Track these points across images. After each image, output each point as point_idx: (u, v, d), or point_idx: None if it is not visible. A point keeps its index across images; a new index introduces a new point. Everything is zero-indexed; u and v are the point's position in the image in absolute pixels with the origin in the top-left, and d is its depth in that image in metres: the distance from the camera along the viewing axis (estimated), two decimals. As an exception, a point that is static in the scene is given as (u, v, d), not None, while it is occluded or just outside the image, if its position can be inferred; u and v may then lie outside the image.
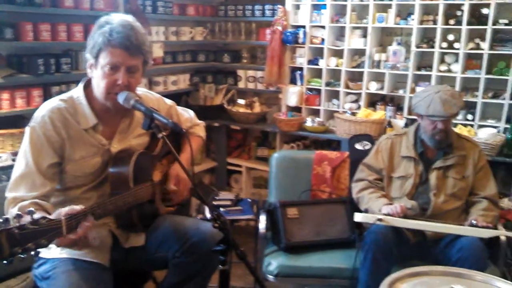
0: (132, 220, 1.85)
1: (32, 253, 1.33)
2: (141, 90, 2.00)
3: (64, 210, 1.48)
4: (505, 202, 2.93)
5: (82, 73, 3.18)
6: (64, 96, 1.84)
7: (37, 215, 1.36)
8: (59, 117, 1.76)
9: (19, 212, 1.34)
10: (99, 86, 1.77)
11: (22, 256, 1.31)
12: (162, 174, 2.04)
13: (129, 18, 1.80)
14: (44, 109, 1.77)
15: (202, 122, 2.34)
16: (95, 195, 1.85)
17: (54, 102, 1.80)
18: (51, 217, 1.43)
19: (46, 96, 3.03)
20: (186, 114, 2.27)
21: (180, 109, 2.25)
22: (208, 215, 2.83)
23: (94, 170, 1.83)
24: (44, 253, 1.82)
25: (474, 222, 2.41)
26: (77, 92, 1.84)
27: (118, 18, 1.76)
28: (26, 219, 1.33)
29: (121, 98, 1.74)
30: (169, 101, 2.18)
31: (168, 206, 2.10)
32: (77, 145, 1.78)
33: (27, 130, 1.76)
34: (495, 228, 2.52)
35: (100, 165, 1.84)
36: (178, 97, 4.38)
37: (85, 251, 1.79)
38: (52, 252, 1.81)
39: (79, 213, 1.49)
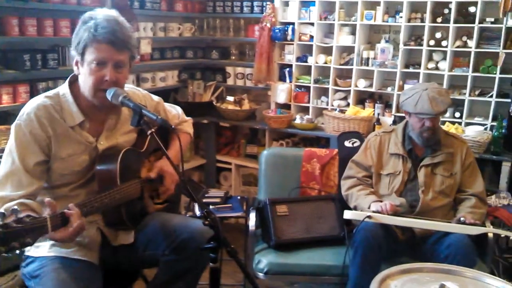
0: (120, 218, 1.83)
1: (17, 252, 1.32)
2: (128, 87, 1.98)
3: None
4: (492, 199, 2.96)
5: (69, 69, 3.11)
6: (50, 93, 1.81)
7: (21, 214, 1.35)
8: (45, 114, 1.73)
9: (3, 211, 1.33)
10: (86, 83, 1.74)
11: (6, 255, 1.30)
12: (149, 171, 2.02)
13: (114, 12, 1.78)
14: (30, 107, 1.74)
15: (190, 118, 2.33)
16: (83, 193, 1.83)
17: (40, 99, 1.77)
18: (37, 215, 1.42)
19: (33, 92, 2.98)
20: (174, 111, 2.25)
21: (168, 105, 2.24)
22: (198, 212, 2.84)
23: (81, 168, 1.81)
24: (32, 251, 1.80)
25: (462, 219, 2.43)
26: (63, 89, 1.81)
27: (103, 13, 1.74)
28: (11, 218, 1.32)
29: (109, 95, 1.72)
30: (156, 97, 2.16)
31: (157, 204, 2.09)
32: (64, 143, 1.76)
33: (13, 127, 1.74)
34: (483, 224, 2.55)
35: (88, 163, 1.82)
36: (167, 94, 4.35)
37: (73, 249, 1.77)
38: (40, 250, 1.79)
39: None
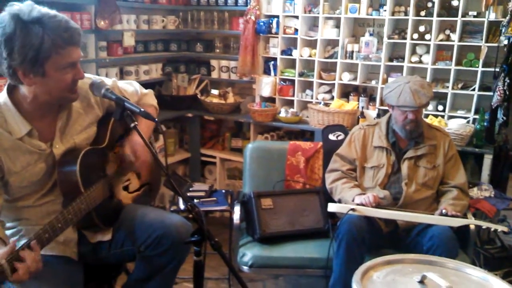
0: (93, 222, 1.78)
1: None
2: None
3: (4, 250, 1.37)
4: (474, 191, 2.99)
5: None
6: None
7: None
8: None
9: None
10: (56, 89, 1.61)
11: None
12: (117, 164, 1.95)
13: (42, 8, 1.58)
14: None
15: (150, 90, 2.17)
16: (50, 200, 1.76)
17: None
18: None
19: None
20: (131, 88, 2.06)
21: (123, 83, 2.05)
22: (182, 206, 2.83)
23: (40, 177, 1.71)
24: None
25: (444, 211, 2.46)
26: (2, 98, 1.65)
27: (46, 13, 1.56)
28: None
29: (91, 88, 1.70)
30: (109, 80, 1.96)
31: (133, 192, 2.06)
32: (15, 156, 1.64)
33: None
34: (465, 216, 2.58)
35: (46, 171, 1.72)
36: (151, 87, 4.25)
37: (50, 246, 1.73)
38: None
39: (21, 247, 1.38)
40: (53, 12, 1.58)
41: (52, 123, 1.74)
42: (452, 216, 2.44)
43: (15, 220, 1.77)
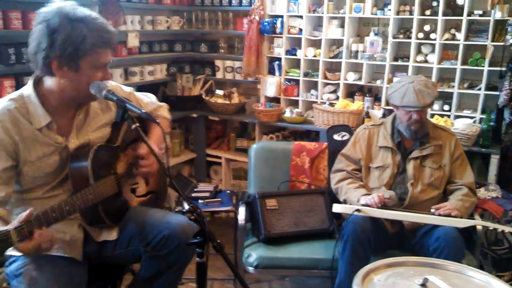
0: (99, 216, 1.80)
1: None
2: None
3: (20, 217, 1.45)
4: (481, 192, 2.97)
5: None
6: (13, 95, 1.75)
7: None
8: (10, 118, 1.68)
9: None
10: (81, 86, 1.70)
11: None
12: (127, 165, 1.98)
13: (86, 10, 1.71)
14: None
15: (165, 104, 2.28)
16: (59, 194, 1.80)
17: (3, 102, 1.71)
18: (3, 228, 1.39)
19: (18, 86, 2.94)
20: (147, 99, 2.19)
21: (140, 94, 2.18)
22: (186, 207, 2.82)
23: (53, 169, 1.77)
24: (14, 250, 1.77)
25: (432, 211, 2.45)
26: (27, 90, 1.74)
27: (90, 14, 1.69)
28: None
29: (93, 89, 1.71)
30: (127, 88, 2.09)
31: (140, 196, 2.06)
32: (32, 146, 1.71)
33: None
34: (472, 217, 2.56)
35: (59, 164, 1.78)
36: (155, 88, 4.31)
37: (56, 246, 1.75)
38: None
39: (27, 220, 1.44)
40: (94, 14, 1.71)
41: (70, 119, 1.82)
42: (440, 215, 2.42)
43: (20, 212, 1.78)
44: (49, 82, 1.72)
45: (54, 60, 1.64)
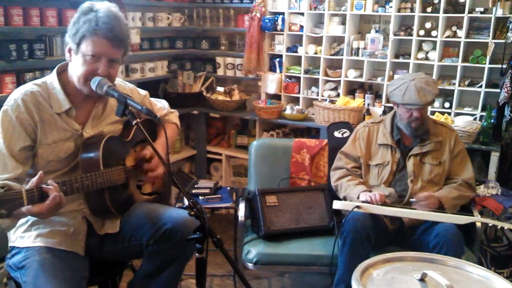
0: (105, 204, 1.84)
1: None
2: (116, 80, 1.97)
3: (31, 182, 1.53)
4: (481, 189, 2.97)
5: (56, 60, 3.11)
6: (38, 81, 1.84)
7: None
8: (32, 100, 1.76)
9: None
10: (77, 72, 1.77)
11: None
12: (135, 161, 2.01)
13: (114, 7, 1.81)
14: (18, 92, 1.77)
15: (176, 111, 2.37)
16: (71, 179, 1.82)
17: (28, 86, 1.80)
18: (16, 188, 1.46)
19: (19, 82, 2.94)
20: (160, 104, 2.29)
21: (154, 99, 2.27)
22: (186, 203, 2.83)
23: (66, 155, 1.84)
24: (17, 242, 1.80)
25: (411, 200, 2.50)
26: (51, 78, 1.84)
27: (104, 7, 1.77)
28: None
29: (94, 84, 1.74)
30: (143, 91, 2.19)
31: (145, 194, 2.08)
32: (50, 129, 1.79)
33: None
34: (471, 214, 2.56)
35: (73, 150, 1.85)
36: (156, 84, 4.32)
37: (59, 239, 1.77)
38: (25, 241, 1.79)
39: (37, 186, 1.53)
40: (115, 9, 1.80)
41: (88, 110, 1.90)
42: (419, 201, 2.49)
43: None
44: (70, 71, 1.82)
45: (69, 45, 1.78)
